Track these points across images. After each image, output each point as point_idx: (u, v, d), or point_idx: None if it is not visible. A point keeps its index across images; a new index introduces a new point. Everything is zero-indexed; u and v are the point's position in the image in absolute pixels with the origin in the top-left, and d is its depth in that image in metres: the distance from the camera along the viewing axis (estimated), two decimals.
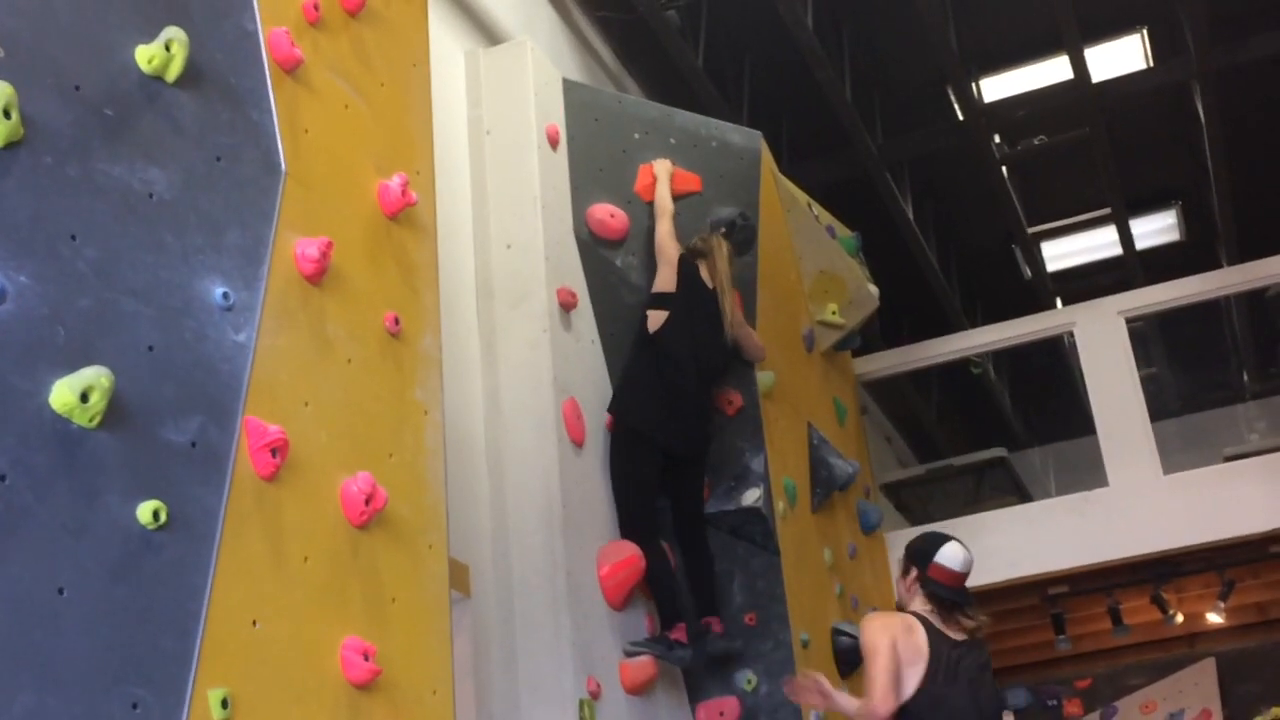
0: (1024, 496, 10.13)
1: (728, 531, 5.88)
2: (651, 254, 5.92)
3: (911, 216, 9.98)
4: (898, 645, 4.28)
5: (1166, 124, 10.24)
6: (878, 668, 4.20)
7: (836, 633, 6.42)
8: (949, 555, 4.41)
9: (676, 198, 6.15)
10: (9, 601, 2.41)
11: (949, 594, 4.40)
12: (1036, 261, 11.46)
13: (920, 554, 4.44)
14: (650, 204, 6.08)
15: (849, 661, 6.43)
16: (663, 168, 6.10)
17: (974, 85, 9.23)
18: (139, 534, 2.72)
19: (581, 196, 5.98)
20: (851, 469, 6.97)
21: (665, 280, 5.73)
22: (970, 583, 4.52)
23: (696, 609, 5.53)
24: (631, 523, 5.46)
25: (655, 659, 5.27)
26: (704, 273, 5.84)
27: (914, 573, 4.43)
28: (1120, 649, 9.69)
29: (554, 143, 5.91)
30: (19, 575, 2.44)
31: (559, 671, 4.85)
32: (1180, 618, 9.02)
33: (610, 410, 5.61)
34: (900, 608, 4.56)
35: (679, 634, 5.30)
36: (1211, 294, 9.14)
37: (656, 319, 5.66)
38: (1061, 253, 11.77)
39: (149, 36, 3.07)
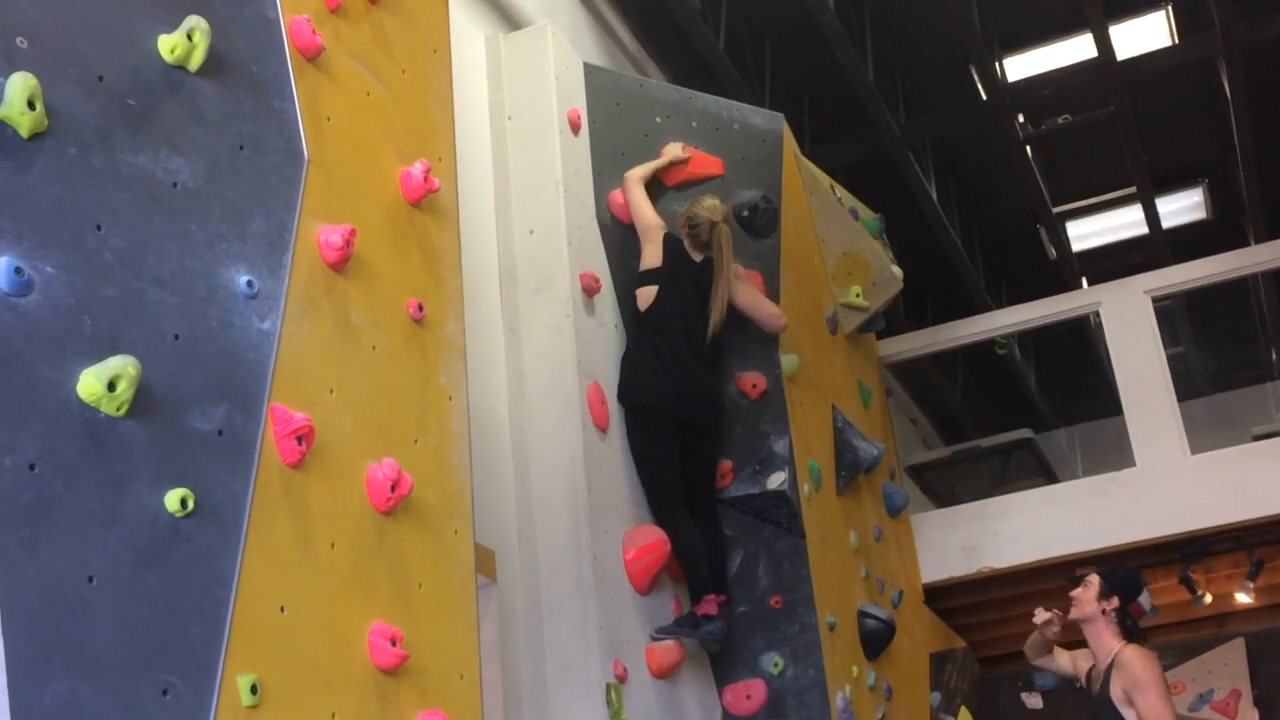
0: (1050, 477, 10.09)
1: (753, 515, 5.87)
2: None
3: (935, 197, 9.94)
4: None
5: (1192, 102, 10.17)
6: (1168, 703, 4.84)
7: (863, 615, 6.42)
8: (1146, 600, 5.22)
9: (698, 181, 6.14)
10: (40, 590, 2.43)
11: (1138, 628, 5.17)
12: (1061, 241, 11.41)
13: (1126, 588, 5.13)
14: (674, 188, 6.08)
15: (876, 644, 6.43)
16: (669, 150, 6.09)
17: (997, 64, 9.18)
18: (167, 522, 2.73)
19: (603, 181, 5.97)
20: (876, 451, 6.95)
21: (651, 257, 5.72)
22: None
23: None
24: (659, 501, 5.47)
25: (681, 643, 5.27)
26: (689, 247, 5.80)
27: (1116, 601, 5.07)
28: (1148, 630, 9.62)
29: (575, 127, 5.90)
30: (49, 564, 2.46)
31: (585, 655, 4.86)
32: (1209, 598, 8.96)
33: (618, 397, 5.62)
34: (1080, 620, 5.19)
35: (708, 607, 5.29)
36: (1238, 272, 9.07)
37: (645, 296, 5.66)
38: (1087, 232, 11.72)
39: (171, 25, 3.08)
